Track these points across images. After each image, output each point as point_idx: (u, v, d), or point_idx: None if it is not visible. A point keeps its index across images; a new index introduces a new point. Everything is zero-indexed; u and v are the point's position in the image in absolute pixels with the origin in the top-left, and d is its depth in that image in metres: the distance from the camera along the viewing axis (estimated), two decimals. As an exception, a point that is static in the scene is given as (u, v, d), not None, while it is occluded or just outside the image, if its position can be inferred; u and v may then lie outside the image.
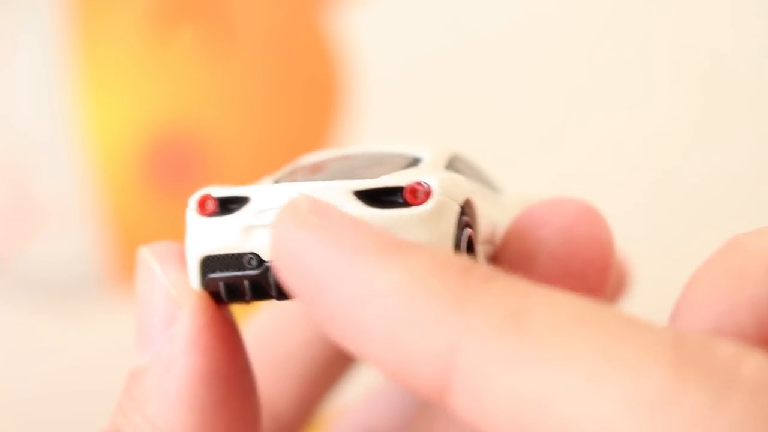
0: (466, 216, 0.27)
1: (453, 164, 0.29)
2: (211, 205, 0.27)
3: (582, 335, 0.19)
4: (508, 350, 0.19)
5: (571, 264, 0.28)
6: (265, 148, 0.72)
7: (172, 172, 0.72)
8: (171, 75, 0.72)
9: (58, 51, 0.73)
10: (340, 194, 0.25)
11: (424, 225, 0.25)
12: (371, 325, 0.21)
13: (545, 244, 0.28)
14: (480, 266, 0.21)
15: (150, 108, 0.73)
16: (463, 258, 0.21)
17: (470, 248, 0.27)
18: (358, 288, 0.21)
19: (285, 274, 0.22)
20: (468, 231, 0.27)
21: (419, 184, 0.25)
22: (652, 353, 0.18)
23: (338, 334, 0.22)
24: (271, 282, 0.26)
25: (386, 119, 0.70)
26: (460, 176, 0.27)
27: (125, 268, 0.71)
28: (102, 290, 0.72)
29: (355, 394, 0.37)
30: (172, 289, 0.27)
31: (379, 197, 0.25)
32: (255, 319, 0.32)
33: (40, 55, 0.74)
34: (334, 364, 0.35)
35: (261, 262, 0.26)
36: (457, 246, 0.26)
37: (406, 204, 0.25)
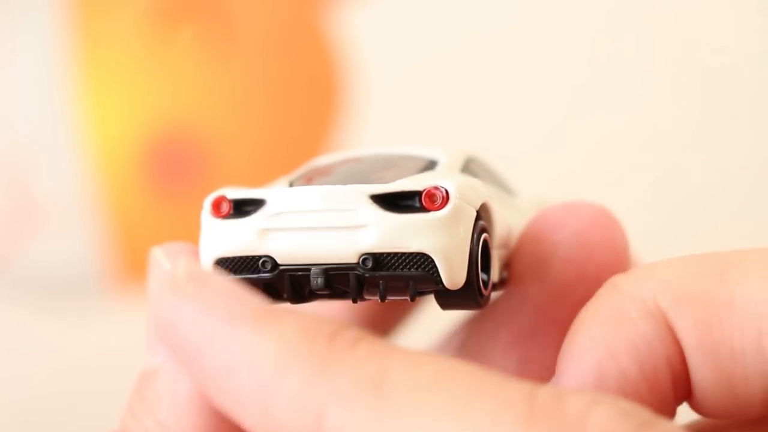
0: (482, 221, 0.26)
1: (469, 167, 0.29)
2: (225, 207, 0.27)
3: (438, 395, 0.20)
4: (368, 414, 0.20)
5: (586, 268, 0.28)
6: (265, 148, 0.72)
7: (172, 172, 0.72)
8: (171, 75, 0.72)
9: (58, 51, 0.73)
10: (356, 198, 0.25)
11: (441, 230, 0.25)
12: (244, 395, 0.21)
13: (560, 248, 0.28)
14: (347, 330, 0.22)
15: (150, 108, 0.73)
16: (331, 323, 0.22)
17: (485, 253, 0.27)
18: (230, 358, 0.21)
19: (162, 340, 0.23)
20: (484, 236, 0.26)
21: (437, 188, 0.25)
22: (506, 408, 0.19)
23: (216, 403, 0.22)
24: (287, 285, 0.26)
25: (387, 119, 0.70)
26: (477, 180, 0.27)
27: (125, 268, 0.71)
28: (102, 290, 0.72)
29: None
30: None
31: (395, 201, 0.25)
32: None
33: (40, 55, 0.74)
34: None
35: (276, 265, 0.26)
36: (471, 251, 0.25)
37: (423, 209, 0.25)
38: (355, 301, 0.26)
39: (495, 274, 0.27)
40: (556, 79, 0.69)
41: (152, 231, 0.70)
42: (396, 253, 0.25)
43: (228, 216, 0.27)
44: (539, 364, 0.28)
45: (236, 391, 0.21)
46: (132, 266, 0.71)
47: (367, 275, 0.25)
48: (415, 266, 0.25)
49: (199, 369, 0.22)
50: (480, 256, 0.26)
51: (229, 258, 0.26)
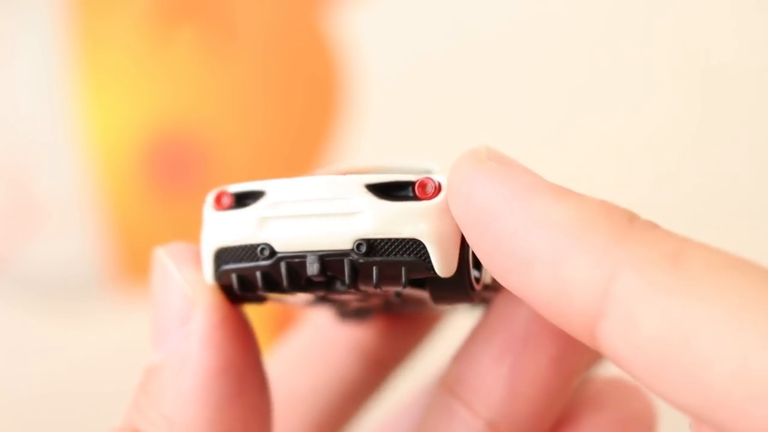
0: None
1: None
2: (226, 200, 0.27)
3: (731, 278, 0.20)
4: (663, 281, 0.21)
5: None
6: (265, 148, 0.72)
7: (172, 172, 0.72)
8: (171, 75, 0.72)
9: (58, 51, 0.73)
10: (352, 186, 0.26)
11: (433, 218, 0.26)
12: (536, 251, 0.22)
13: None
14: (643, 217, 0.22)
15: (150, 108, 0.73)
16: (627, 209, 0.23)
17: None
18: (529, 219, 0.23)
19: (460, 208, 0.24)
20: None
21: (429, 179, 0.26)
22: None
23: (499, 265, 0.23)
24: (283, 273, 0.26)
25: (386, 119, 0.70)
26: None
27: (125, 268, 0.71)
28: (102, 290, 0.72)
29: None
30: (187, 288, 0.27)
31: (390, 191, 0.26)
32: (267, 361, 0.33)
33: (40, 55, 0.74)
34: (345, 407, 0.35)
35: (273, 252, 0.26)
36: (462, 242, 0.26)
37: (416, 198, 0.26)
38: (349, 290, 0.26)
39: (488, 275, 0.28)
40: (556, 79, 0.69)
41: (152, 231, 0.70)
42: (389, 239, 0.26)
43: (229, 208, 0.27)
44: (531, 371, 0.28)
45: (529, 249, 0.22)
46: (132, 266, 0.71)
47: (361, 261, 0.26)
48: (408, 252, 0.26)
49: (493, 231, 0.23)
50: (471, 252, 0.27)
51: (229, 247, 0.27)
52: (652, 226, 0.22)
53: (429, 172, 0.29)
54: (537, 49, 0.69)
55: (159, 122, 0.72)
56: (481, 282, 0.27)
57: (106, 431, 0.27)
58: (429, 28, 0.70)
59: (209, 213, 0.27)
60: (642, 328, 0.21)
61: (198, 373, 0.27)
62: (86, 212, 0.72)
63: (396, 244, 0.26)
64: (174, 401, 0.26)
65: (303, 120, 0.71)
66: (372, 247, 0.26)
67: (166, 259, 0.28)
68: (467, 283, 0.26)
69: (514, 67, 0.69)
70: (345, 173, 0.28)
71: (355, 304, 0.31)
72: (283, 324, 0.68)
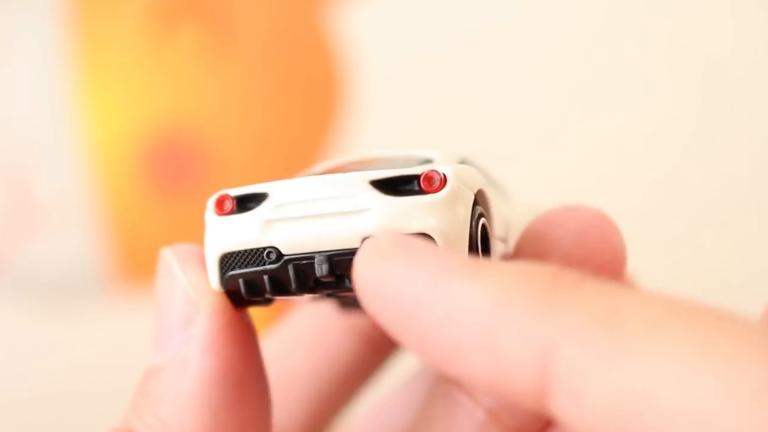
0: (479, 206, 0.27)
1: (463, 164, 0.29)
2: (228, 205, 0.27)
3: (677, 328, 0.19)
4: (605, 346, 0.19)
5: (584, 267, 0.28)
6: (265, 147, 0.72)
7: (171, 172, 0.72)
8: (171, 75, 0.72)
9: (58, 51, 0.73)
10: (357, 184, 0.26)
11: (441, 211, 0.25)
12: (466, 339, 0.21)
13: (560, 246, 0.28)
14: (566, 272, 0.21)
15: (150, 108, 0.73)
16: (549, 266, 0.22)
17: (485, 239, 0.27)
18: (449, 306, 0.21)
19: (373, 304, 0.23)
20: (482, 220, 0.27)
21: (435, 171, 0.26)
22: (748, 345, 0.18)
23: (431, 356, 0.22)
24: (291, 275, 0.26)
25: (386, 118, 0.70)
26: (472, 168, 0.28)
27: (125, 267, 0.71)
28: (102, 290, 0.72)
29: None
30: (192, 290, 0.27)
31: (395, 186, 0.26)
32: (264, 343, 0.33)
33: (40, 55, 0.74)
34: (342, 388, 0.35)
35: (280, 255, 0.26)
36: (471, 233, 0.26)
37: (422, 192, 0.26)
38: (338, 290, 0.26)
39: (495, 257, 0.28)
40: (556, 79, 0.69)
41: (152, 231, 0.70)
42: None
43: (232, 212, 0.27)
44: None
45: (456, 338, 0.21)
46: (132, 266, 0.71)
47: None
48: None
49: (415, 323, 0.22)
50: (480, 240, 0.26)
51: (234, 252, 0.26)
52: (578, 283, 0.21)
53: (430, 161, 0.28)
54: (536, 50, 0.69)
55: (159, 122, 0.72)
56: None
57: (104, 431, 0.27)
58: (428, 28, 0.70)
59: (211, 218, 0.27)
60: (590, 402, 0.19)
61: (197, 377, 0.26)
62: (86, 212, 0.72)
63: None
64: (171, 405, 0.26)
65: (303, 119, 0.71)
66: None
67: (171, 261, 0.27)
68: None
69: (514, 67, 0.69)
70: (346, 169, 0.27)
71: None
72: (279, 313, 0.68)
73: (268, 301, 0.28)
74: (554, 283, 0.21)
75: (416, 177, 0.26)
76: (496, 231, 0.28)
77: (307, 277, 0.26)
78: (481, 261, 0.22)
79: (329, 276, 0.26)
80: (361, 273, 0.23)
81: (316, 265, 0.26)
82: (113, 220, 0.71)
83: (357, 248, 0.25)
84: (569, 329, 0.20)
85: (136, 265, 0.71)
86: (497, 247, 0.28)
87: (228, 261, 0.26)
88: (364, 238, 0.25)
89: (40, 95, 0.74)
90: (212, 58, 0.71)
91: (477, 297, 0.21)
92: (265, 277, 0.26)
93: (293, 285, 0.26)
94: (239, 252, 0.26)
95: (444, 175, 0.26)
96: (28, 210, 0.73)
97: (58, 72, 0.73)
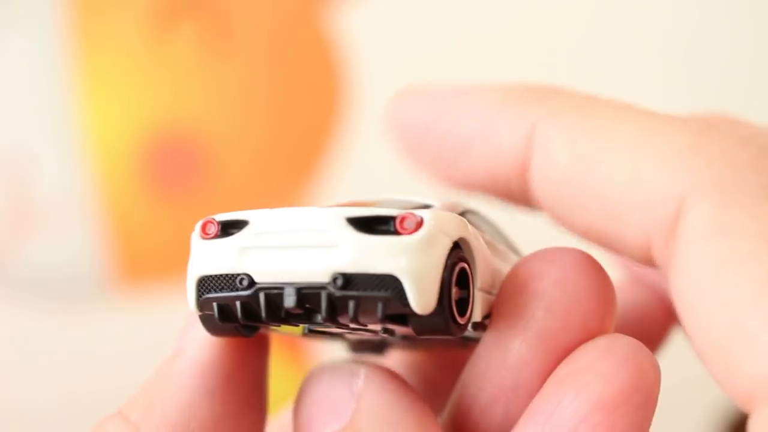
0: (461, 252, 0.27)
1: (463, 215, 0.29)
2: (212, 229, 0.27)
3: (631, 114, 0.25)
4: (574, 125, 0.25)
5: (570, 317, 0.27)
6: (265, 148, 0.72)
7: (171, 173, 0.72)
8: (171, 75, 0.72)
9: (58, 51, 0.73)
10: (333, 220, 0.26)
11: (411, 253, 0.25)
12: (472, 133, 0.27)
13: (542, 298, 0.27)
14: (561, 87, 0.27)
15: (150, 109, 0.73)
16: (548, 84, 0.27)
17: (464, 285, 0.27)
18: (461, 109, 0.27)
19: (396, 128, 0.29)
20: (461, 266, 0.27)
21: (411, 214, 0.26)
22: (678, 125, 0.24)
23: (444, 161, 0.28)
24: (262, 304, 0.26)
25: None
26: (461, 218, 0.27)
27: (125, 269, 0.71)
28: (101, 291, 0.72)
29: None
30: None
31: (371, 226, 0.26)
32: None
33: (39, 55, 0.74)
34: None
35: (252, 283, 0.26)
36: (444, 278, 0.26)
37: (396, 233, 0.26)
38: (325, 322, 0.26)
39: (477, 314, 0.27)
40: (555, 78, 0.69)
41: (151, 232, 0.70)
42: (366, 274, 0.25)
43: (215, 237, 0.27)
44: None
45: (465, 136, 0.27)
46: (131, 267, 0.71)
47: (338, 294, 0.25)
48: (385, 288, 0.25)
49: (431, 136, 0.28)
50: (455, 285, 0.26)
51: (211, 276, 0.27)
52: (576, 91, 0.26)
53: (428, 206, 0.28)
54: (536, 49, 0.69)
55: (159, 123, 0.72)
56: (468, 316, 0.27)
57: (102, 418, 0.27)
58: (428, 27, 0.70)
59: (195, 241, 0.27)
60: (558, 162, 0.25)
61: (185, 361, 0.27)
62: (85, 213, 0.72)
63: (373, 279, 0.25)
64: (156, 384, 0.27)
65: (303, 120, 0.71)
66: (349, 281, 0.25)
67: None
68: (449, 317, 0.26)
69: (513, 66, 0.69)
70: (335, 207, 0.28)
71: (354, 337, 0.30)
72: (287, 343, 0.68)
73: (246, 331, 0.27)
74: (548, 88, 0.27)
75: (393, 218, 0.26)
76: (481, 282, 0.28)
77: (278, 306, 0.26)
78: (484, 84, 0.27)
79: (297, 308, 0.26)
80: (388, 108, 0.28)
81: (284, 296, 0.26)
82: (113, 221, 0.71)
83: (326, 283, 0.25)
84: (552, 113, 0.25)
85: (135, 266, 0.71)
86: (480, 297, 0.28)
87: (205, 284, 0.27)
88: (334, 274, 0.25)
89: (40, 96, 0.74)
90: (212, 58, 0.71)
91: (484, 98, 0.27)
92: (237, 303, 0.26)
93: (263, 313, 0.26)
94: (215, 276, 0.26)
95: (420, 219, 0.26)
96: (27, 211, 0.73)
97: (58, 72, 0.73)
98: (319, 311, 0.26)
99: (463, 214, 0.29)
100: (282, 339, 0.29)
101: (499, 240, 0.31)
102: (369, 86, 0.70)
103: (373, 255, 0.25)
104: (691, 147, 0.23)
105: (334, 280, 0.25)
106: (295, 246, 0.26)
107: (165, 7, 0.72)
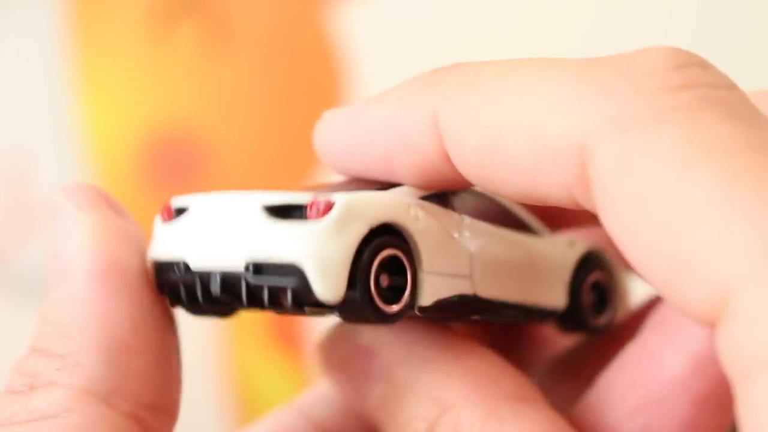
0: (387, 238, 0.26)
1: (447, 198, 0.29)
2: (166, 213, 0.28)
3: (517, 76, 0.26)
4: (465, 100, 0.25)
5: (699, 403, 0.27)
6: (264, 147, 0.72)
7: (171, 172, 0.72)
8: (171, 75, 0.72)
9: (58, 51, 0.73)
10: (253, 206, 0.26)
11: (314, 241, 0.25)
12: (382, 142, 0.27)
13: (673, 373, 0.27)
14: (447, 65, 0.27)
15: (149, 108, 0.73)
16: (434, 68, 0.28)
17: (400, 272, 0.26)
18: (366, 124, 0.28)
19: (328, 156, 0.29)
20: (390, 252, 0.26)
21: (320, 200, 0.25)
22: (558, 72, 0.25)
23: (367, 172, 0.28)
24: (198, 289, 0.26)
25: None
26: (396, 200, 0.27)
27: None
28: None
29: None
30: (72, 206, 0.27)
31: (288, 212, 0.26)
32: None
33: (40, 55, 0.74)
34: None
35: (188, 269, 0.26)
36: (358, 266, 0.25)
37: (305, 219, 0.25)
38: (246, 309, 0.26)
39: (426, 298, 0.27)
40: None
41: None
42: (274, 263, 0.25)
43: (168, 221, 0.28)
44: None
45: (382, 139, 0.27)
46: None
47: (252, 282, 0.25)
48: (291, 276, 0.25)
49: (356, 156, 0.28)
50: (385, 272, 0.26)
51: (159, 261, 0.27)
52: (455, 66, 0.27)
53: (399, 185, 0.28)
54: (536, 48, 0.68)
55: (158, 122, 0.72)
56: (405, 302, 0.26)
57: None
58: (428, 26, 0.70)
59: (156, 224, 0.28)
60: (465, 143, 0.25)
61: (79, 275, 0.26)
62: (85, 212, 0.72)
63: (279, 267, 0.25)
64: (61, 307, 0.26)
65: (302, 119, 0.71)
66: (259, 269, 0.25)
67: (59, 196, 0.28)
68: (369, 306, 0.26)
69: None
70: (316, 189, 0.27)
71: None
72: (283, 334, 0.68)
73: (193, 310, 0.28)
74: (435, 73, 0.27)
75: (304, 205, 0.26)
76: (437, 266, 0.27)
77: (210, 291, 0.26)
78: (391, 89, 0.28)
79: (223, 294, 0.26)
80: (315, 137, 0.29)
81: (211, 283, 0.26)
82: (113, 220, 0.71)
83: (242, 271, 0.25)
84: (444, 96, 0.26)
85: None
86: (433, 281, 0.27)
87: (157, 268, 0.27)
88: (247, 263, 0.25)
89: (40, 96, 0.74)
90: (212, 58, 0.71)
91: (383, 107, 0.27)
92: (181, 287, 0.27)
93: (201, 298, 0.26)
94: (162, 261, 0.27)
95: (328, 204, 0.25)
96: (27, 210, 0.73)
97: (58, 72, 0.73)
98: (240, 297, 0.26)
99: (455, 195, 0.29)
100: (279, 333, 0.29)
101: (506, 220, 0.30)
102: (369, 86, 0.70)
103: (280, 243, 0.25)
104: (574, 93, 0.24)
105: (247, 268, 0.25)
106: (220, 233, 0.26)
107: (165, 7, 0.72)
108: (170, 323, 0.28)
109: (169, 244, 0.27)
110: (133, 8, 0.72)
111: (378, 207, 0.26)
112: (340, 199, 0.25)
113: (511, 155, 0.24)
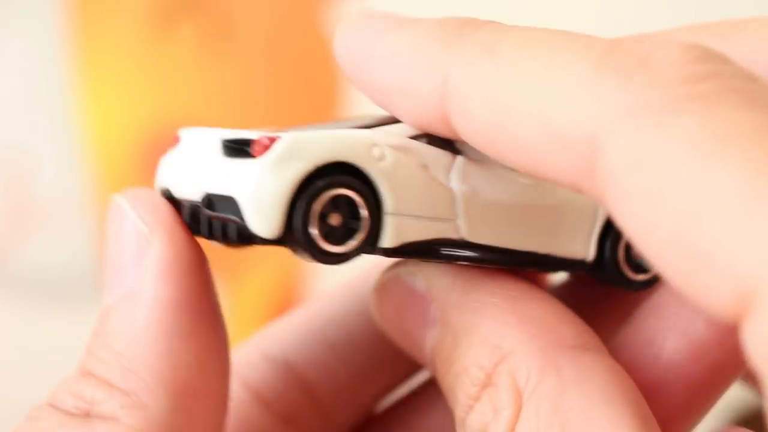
0: (347, 178, 0.26)
1: (447, 138, 0.28)
2: (174, 141, 0.29)
3: (537, 48, 0.24)
4: (482, 67, 0.24)
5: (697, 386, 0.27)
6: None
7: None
8: (171, 74, 0.72)
9: (58, 51, 0.73)
10: (213, 141, 0.27)
11: (251, 176, 0.25)
12: (392, 80, 0.26)
13: (670, 361, 0.27)
14: (477, 19, 0.26)
15: (149, 108, 0.73)
16: (464, 17, 0.26)
17: (355, 216, 0.26)
18: (380, 54, 0.26)
19: (342, 61, 0.27)
20: (338, 191, 0.26)
21: (264, 137, 0.26)
22: (580, 52, 0.23)
23: (375, 100, 0.27)
24: (185, 217, 0.27)
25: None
26: (359, 139, 0.27)
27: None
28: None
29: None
30: (142, 224, 0.27)
31: (242, 147, 0.27)
32: (319, 302, 0.32)
33: (39, 55, 0.74)
34: (394, 366, 0.33)
35: (172, 197, 0.28)
36: (295, 203, 0.25)
37: (250, 156, 0.26)
38: (208, 239, 0.27)
39: (389, 240, 0.27)
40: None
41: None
42: (221, 196, 0.26)
43: (171, 149, 0.29)
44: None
45: (386, 81, 0.26)
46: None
47: (206, 214, 0.26)
48: (232, 210, 0.26)
49: (364, 76, 0.27)
50: (334, 211, 0.26)
51: (160, 187, 0.28)
52: (480, 25, 0.25)
53: (396, 122, 0.28)
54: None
55: (158, 122, 0.72)
56: (354, 245, 0.26)
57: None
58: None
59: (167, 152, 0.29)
60: (473, 112, 0.24)
61: (151, 306, 0.26)
62: (85, 212, 0.72)
63: (225, 201, 0.26)
64: (125, 337, 0.26)
65: (302, 120, 0.71)
66: (210, 202, 0.26)
67: (121, 200, 0.27)
68: (307, 244, 0.26)
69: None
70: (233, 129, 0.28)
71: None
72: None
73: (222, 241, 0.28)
74: (462, 27, 0.25)
75: (251, 141, 0.26)
76: (406, 207, 0.27)
77: (185, 220, 0.27)
78: (411, 18, 0.27)
79: (193, 224, 0.27)
80: (335, 40, 0.28)
81: (182, 212, 0.27)
82: (113, 220, 0.71)
83: (200, 203, 0.26)
84: (459, 59, 0.25)
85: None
86: (398, 223, 0.27)
87: (162, 192, 0.28)
88: (203, 196, 0.26)
89: (40, 95, 0.74)
90: (212, 57, 0.71)
91: (399, 43, 0.26)
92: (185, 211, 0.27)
93: (189, 225, 0.27)
94: (161, 187, 0.28)
95: (269, 142, 0.26)
96: (27, 210, 0.73)
97: (58, 72, 0.73)
98: (203, 229, 0.27)
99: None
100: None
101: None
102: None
103: (225, 177, 0.26)
104: (590, 78, 0.22)
105: (202, 200, 0.26)
106: (190, 165, 0.27)
107: (165, 7, 0.72)
108: (228, 365, 0.27)
109: (163, 170, 0.28)
110: (133, 8, 0.72)
111: (328, 146, 0.26)
112: (285, 137, 0.26)
113: (517, 135, 0.23)
